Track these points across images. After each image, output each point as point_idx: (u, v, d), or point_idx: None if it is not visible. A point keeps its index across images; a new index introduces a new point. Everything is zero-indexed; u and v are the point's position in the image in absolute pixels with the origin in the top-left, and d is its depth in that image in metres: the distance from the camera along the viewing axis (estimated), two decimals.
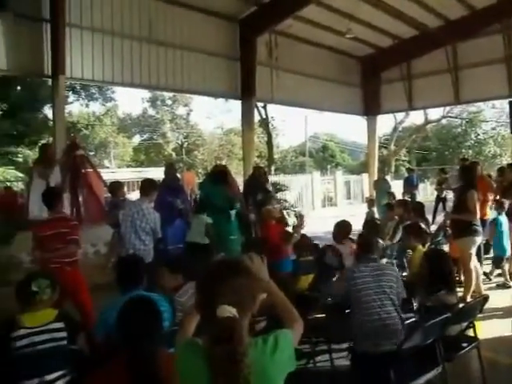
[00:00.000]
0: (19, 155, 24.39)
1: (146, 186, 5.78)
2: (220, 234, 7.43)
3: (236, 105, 15.34)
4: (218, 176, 8.01)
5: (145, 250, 5.48)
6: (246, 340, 1.59)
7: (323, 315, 4.49)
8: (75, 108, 30.81)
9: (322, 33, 15.43)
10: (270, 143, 29.98)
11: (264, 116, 28.64)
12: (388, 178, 18.13)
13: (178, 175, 10.19)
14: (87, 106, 29.19)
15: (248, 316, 1.71)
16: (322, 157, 44.53)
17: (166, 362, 2.22)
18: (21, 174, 23.18)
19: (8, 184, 15.93)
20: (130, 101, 59.51)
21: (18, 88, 19.68)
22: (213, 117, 63.68)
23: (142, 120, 40.94)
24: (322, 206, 19.85)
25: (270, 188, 9.71)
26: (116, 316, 2.46)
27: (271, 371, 1.66)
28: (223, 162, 27.01)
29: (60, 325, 3.28)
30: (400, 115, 30.38)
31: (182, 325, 2.00)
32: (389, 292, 3.72)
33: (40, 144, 11.44)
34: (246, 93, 14.40)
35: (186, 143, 40.59)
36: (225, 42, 14.06)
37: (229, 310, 1.57)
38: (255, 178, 9.39)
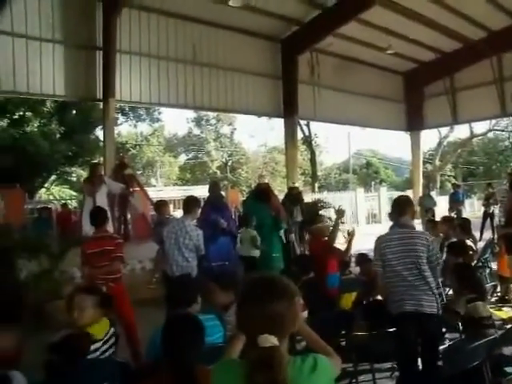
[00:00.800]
0: (73, 175, 25.36)
1: (189, 203, 5.84)
2: (262, 251, 7.45)
3: (279, 123, 15.44)
4: (261, 194, 8.04)
5: (188, 267, 5.51)
6: (285, 362, 1.55)
7: (365, 333, 4.39)
8: (124, 129, 31.83)
9: (363, 49, 15.37)
10: (313, 160, 29.82)
11: (307, 133, 28.60)
12: (433, 194, 17.66)
13: (223, 193, 10.30)
14: (135, 126, 30.20)
15: (287, 337, 1.66)
16: (366, 173, 43.96)
17: (206, 377, 2.22)
18: (74, 193, 24.10)
19: (63, 202, 16.60)
20: (176, 121, 60.97)
21: (73, 112, 20.53)
22: (256, 135, 64.34)
23: (187, 139, 41.70)
24: (367, 223, 19.50)
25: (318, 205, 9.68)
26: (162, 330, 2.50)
27: None
28: (266, 180, 27.03)
29: (113, 331, 3.54)
30: (444, 130, 29.69)
31: (228, 344, 1.97)
32: (416, 257, 3.73)
33: (90, 163, 11.88)
34: (289, 111, 14.49)
35: (230, 161, 40.99)
36: (267, 61, 14.25)
37: (270, 341, 1.53)
38: (291, 197, 9.37)
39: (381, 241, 3.91)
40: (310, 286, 4.80)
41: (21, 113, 18.71)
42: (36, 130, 19.11)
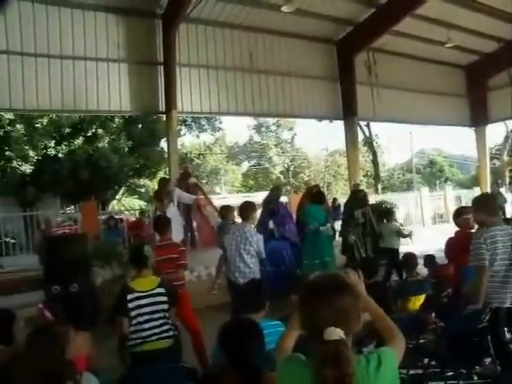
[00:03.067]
0: (141, 186, 26.22)
1: (245, 209, 5.81)
2: (316, 254, 7.47)
3: (339, 125, 15.18)
4: (317, 196, 7.98)
5: (250, 273, 5.48)
6: (353, 358, 1.51)
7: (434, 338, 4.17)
8: (187, 139, 32.47)
9: (421, 45, 14.86)
10: (375, 161, 29.20)
11: (368, 134, 28.03)
12: (503, 190, 16.71)
13: (285, 198, 10.24)
14: (198, 136, 30.71)
15: (351, 335, 1.63)
16: (430, 172, 42.43)
17: (270, 382, 2.17)
18: (143, 203, 24.89)
19: (140, 211, 17.20)
20: (237, 129, 61.52)
21: (139, 126, 21.25)
22: (317, 139, 63.86)
23: (248, 147, 42.05)
24: (433, 223, 18.75)
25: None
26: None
27: None
28: (327, 184, 26.66)
29: (161, 290, 4.02)
30: None
31: (282, 338, 1.94)
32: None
33: (159, 178, 12.17)
34: (348, 112, 14.25)
35: (292, 166, 40.90)
36: (324, 64, 14.09)
37: (337, 333, 1.51)
38: (355, 199, 9.15)
39: (486, 237, 3.83)
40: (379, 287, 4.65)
41: (93, 130, 19.59)
42: (107, 145, 19.91)
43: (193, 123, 27.11)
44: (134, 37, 11.39)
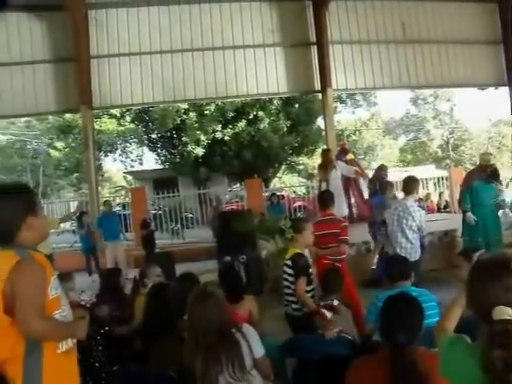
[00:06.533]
0: (300, 164, 26.69)
1: (409, 183, 5.51)
2: (486, 232, 6.86)
3: (504, 92, 13.43)
4: (491, 175, 7.24)
5: (412, 249, 5.23)
6: None
7: None
8: (343, 116, 31.93)
9: None
10: None
11: None
12: None
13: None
14: (353, 113, 30.08)
15: None
16: None
17: (426, 360, 2.04)
18: (303, 180, 25.35)
19: (293, 189, 17.68)
20: (393, 103, 58.51)
21: (297, 106, 21.59)
22: (479, 109, 57.81)
23: (405, 120, 39.88)
24: None
25: None
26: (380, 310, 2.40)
27: None
28: (492, 156, 24.08)
29: (289, 262, 4.06)
30: None
31: (444, 317, 1.86)
32: None
33: (321, 150, 12.22)
34: None
35: (452, 139, 37.83)
36: (483, 26, 12.49)
37: (507, 313, 1.41)
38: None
39: None
40: None
41: (254, 113, 20.40)
42: (267, 126, 20.59)
43: (348, 100, 26.63)
44: (287, 21, 11.50)
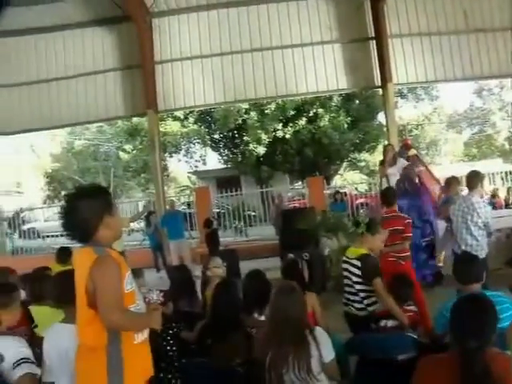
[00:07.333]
0: (361, 160, 26.20)
1: (472, 178, 5.25)
2: None
3: None
4: None
5: (477, 246, 4.98)
6: None
7: None
8: (404, 111, 30.94)
9: None
10: None
11: None
12: None
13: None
14: (415, 107, 29.08)
15: None
16: None
17: (500, 363, 1.94)
18: (364, 177, 24.88)
19: (355, 186, 17.41)
20: (456, 95, 55.70)
21: (357, 102, 21.22)
22: None
23: (469, 113, 37.95)
24: None
25: None
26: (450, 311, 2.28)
27: None
28: None
29: (357, 262, 3.91)
30: None
31: None
32: None
33: (382, 147, 11.96)
34: None
35: None
36: None
37: None
38: None
39: None
40: None
41: (314, 110, 20.25)
42: (328, 123, 20.37)
43: (409, 94, 25.80)
44: (344, 16, 11.32)
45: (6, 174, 27.17)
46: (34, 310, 3.31)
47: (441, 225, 6.72)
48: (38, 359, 2.52)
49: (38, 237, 15.32)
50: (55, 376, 2.50)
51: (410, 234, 4.97)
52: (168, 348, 3.25)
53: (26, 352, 2.42)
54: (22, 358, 2.34)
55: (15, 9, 10.82)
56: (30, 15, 11.09)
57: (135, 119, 21.37)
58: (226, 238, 12.55)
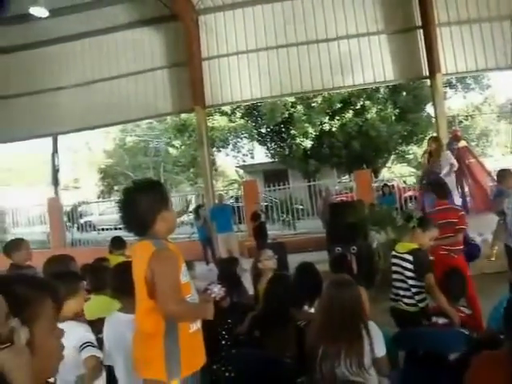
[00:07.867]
0: (410, 153, 25.54)
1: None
2: None
3: None
4: None
5: None
6: None
7: None
8: (453, 101, 29.77)
9: None
10: None
11: None
12: None
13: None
14: (464, 97, 27.96)
15: None
16: None
17: None
18: (413, 170, 24.24)
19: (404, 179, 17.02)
20: (508, 84, 52.78)
21: (404, 93, 20.69)
22: None
23: None
24: None
25: None
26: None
27: None
28: None
29: (409, 257, 3.82)
30: None
31: None
32: None
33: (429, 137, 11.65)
34: None
35: None
36: None
37: None
38: None
39: None
40: None
41: (361, 102, 19.94)
42: (375, 115, 20.01)
43: (458, 84, 24.84)
44: (390, 7, 11.06)
45: (65, 170, 28.38)
46: (93, 298, 3.49)
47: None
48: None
49: (94, 230, 15.92)
50: (112, 360, 2.68)
51: (464, 226, 4.85)
52: (223, 342, 3.33)
53: (90, 336, 2.58)
54: (86, 342, 2.51)
55: (72, 16, 11.42)
56: (83, 20, 11.64)
57: (183, 115, 21.70)
58: (274, 232, 12.59)
